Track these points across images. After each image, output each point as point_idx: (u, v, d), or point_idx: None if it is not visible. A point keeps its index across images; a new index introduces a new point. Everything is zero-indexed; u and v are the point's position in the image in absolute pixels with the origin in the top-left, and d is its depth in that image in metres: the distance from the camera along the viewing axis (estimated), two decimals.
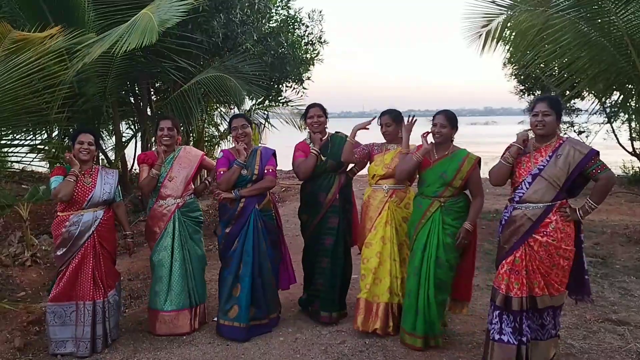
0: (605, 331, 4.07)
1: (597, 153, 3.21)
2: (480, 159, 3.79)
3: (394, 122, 4.10)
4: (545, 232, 3.23)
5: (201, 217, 4.39)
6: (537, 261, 3.24)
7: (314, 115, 4.39)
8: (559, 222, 3.23)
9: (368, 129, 4.18)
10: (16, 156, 6.26)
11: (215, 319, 4.20)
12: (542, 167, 3.27)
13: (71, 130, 7.28)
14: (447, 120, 3.75)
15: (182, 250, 4.16)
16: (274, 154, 4.26)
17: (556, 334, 3.47)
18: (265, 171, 4.14)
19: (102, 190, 3.89)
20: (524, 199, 3.31)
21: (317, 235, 4.36)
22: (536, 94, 12.71)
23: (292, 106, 10.51)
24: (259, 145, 4.22)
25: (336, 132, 4.52)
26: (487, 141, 33.79)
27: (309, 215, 4.42)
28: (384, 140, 4.21)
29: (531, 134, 3.46)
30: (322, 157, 4.28)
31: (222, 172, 4.09)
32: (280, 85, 10.04)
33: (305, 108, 4.59)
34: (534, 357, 3.36)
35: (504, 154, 3.46)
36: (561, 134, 3.39)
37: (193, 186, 4.35)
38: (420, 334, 3.71)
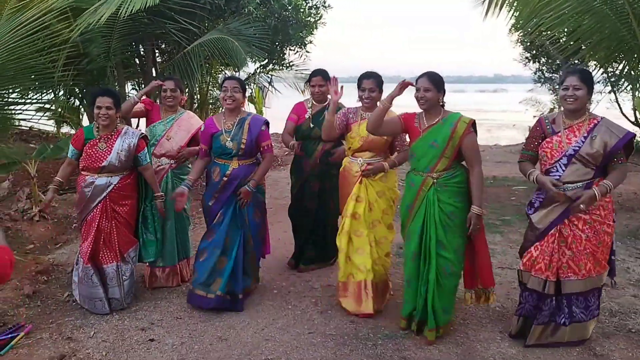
0: None
1: (634, 136, 3.16)
2: (474, 121, 3.37)
3: (377, 87, 3.84)
4: (588, 210, 3.14)
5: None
6: (583, 241, 3.16)
7: (316, 85, 4.44)
8: (602, 199, 3.14)
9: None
10: (23, 115, 6.44)
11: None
12: (577, 147, 3.13)
13: (77, 90, 7.45)
14: (431, 83, 3.33)
15: (172, 208, 4.17)
16: (266, 123, 3.97)
17: (598, 314, 3.42)
18: (262, 149, 3.93)
19: (118, 157, 3.75)
20: (561, 181, 3.16)
21: (300, 199, 4.63)
22: (541, 62, 12.66)
23: (295, 70, 10.55)
24: (250, 112, 4.07)
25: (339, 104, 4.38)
26: (494, 109, 33.66)
27: (295, 178, 4.68)
28: (359, 105, 3.95)
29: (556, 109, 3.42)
30: (311, 124, 4.43)
31: (201, 149, 3.99)
32: (284, 49, 10.07)
33: (309, 73, 4.67)
34: (572, 337, 3.33)
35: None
36: (591, 109, 3.25)
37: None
38: (417, 319, 3.48)
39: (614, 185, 3.11)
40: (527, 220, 3.49)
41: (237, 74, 11.51)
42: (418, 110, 3.48)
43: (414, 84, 3.37)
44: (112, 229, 3.83)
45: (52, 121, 9.37)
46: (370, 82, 3.82)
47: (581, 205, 2.98)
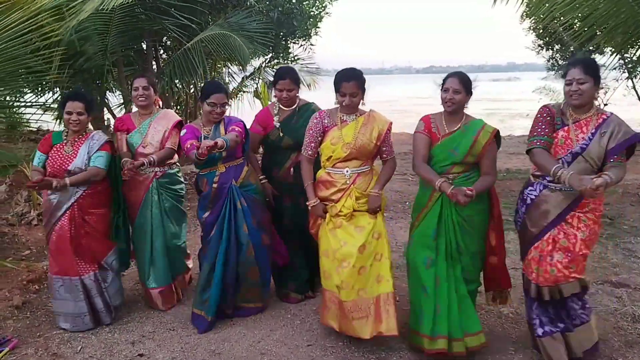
0: (603, 293, 4.01)
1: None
2: (498, 131, 3.18)
3: (360, 90, 3.27)
4: (582, 211, 2.94)
5: (182, 191, 4.05)
6: (578, 240, 2.91)
7: (283, 89, 3.77)
8: (596, 202, 2.94)
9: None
10: (21, 116, 6.30)
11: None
12: (584, 145, 2.88)
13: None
14: (461, 85, 3.10)
15: (162, 224, 3.87)
16: (241, 121, 3.76)
17: (588, 319, 3.06)
18: (230, 129, 3.61)
19: (84, 161, 3.53)
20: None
21: (278, 218, 3.95)
22: (555, 49, 12.29)
23: (301, 64, 10.33)
24: (227, 116, 3.81)
25: (309, 103, 3.94)
26: (507, 98, 33.17)
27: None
28: (336, 106, 3.41)
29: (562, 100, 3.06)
30: (280, 134, 3.83)
31: (189, 146, 3.48)
32: (288, 42, 9.84)
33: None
34: (575, 347, 3.00)
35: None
36: (599, 102, 2.99)
37: (177, 156, 4.02)
38: (443, 333, 3.06)
39: (614, 180, 2.76)
40: None
41: (243, 70, 11.33)
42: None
43: None
44: (83, 238, 3.58)
45: (56, 120, 9.24)
46: (352, 85, 3.23)
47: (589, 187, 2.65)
